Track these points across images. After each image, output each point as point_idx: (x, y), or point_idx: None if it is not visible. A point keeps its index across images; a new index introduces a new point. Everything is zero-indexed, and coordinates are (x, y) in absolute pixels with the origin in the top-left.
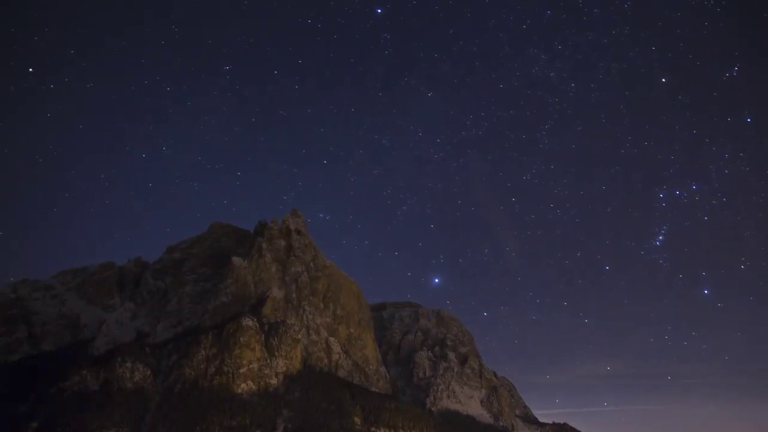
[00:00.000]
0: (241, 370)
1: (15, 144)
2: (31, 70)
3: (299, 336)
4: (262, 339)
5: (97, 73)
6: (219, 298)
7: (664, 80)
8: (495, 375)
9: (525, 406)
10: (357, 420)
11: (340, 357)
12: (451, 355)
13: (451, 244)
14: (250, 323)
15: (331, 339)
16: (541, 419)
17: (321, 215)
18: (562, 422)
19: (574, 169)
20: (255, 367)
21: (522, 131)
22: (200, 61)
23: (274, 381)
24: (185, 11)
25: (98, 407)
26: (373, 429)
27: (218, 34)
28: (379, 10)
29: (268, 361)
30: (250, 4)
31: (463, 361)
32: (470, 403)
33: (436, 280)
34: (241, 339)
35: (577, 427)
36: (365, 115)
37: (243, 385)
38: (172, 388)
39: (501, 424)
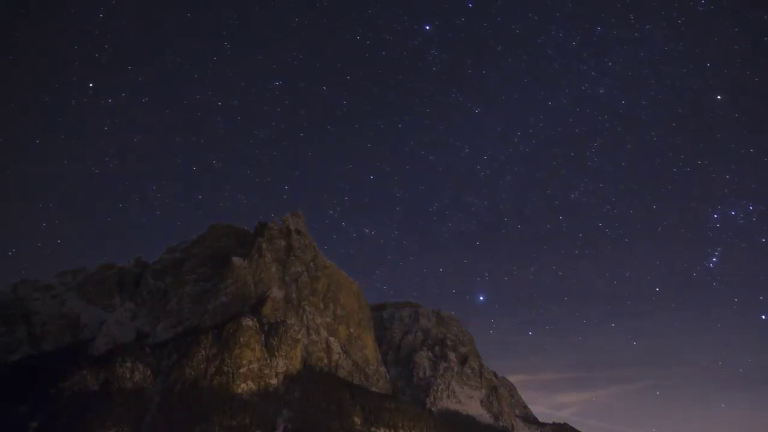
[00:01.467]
0: (241, 370)
1: (74, 155)
2: (91, 85)
3: (299, 336)
4: (262, 339)
5: (152, 89)
6: (219, 298)
7: (719, 97)
8: (495, 375)
9: (525, 406)
10: (357, 420)
11: (340, 357)
12: (451, 355)
13: (497, 262)
14: (250, 323)
15: (331, 339)
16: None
17: (366, 230)
18: (562, 422)
19: (624, 188)
20: (255, 367)
21: (570, 149)
22: (251, 76)
23: (274, 381)
24: (237, 28)
25: (98, 407)
26: (373, 429)
27: (268, 50)
28: (428, 27)
29: (268, 361)
30: (299, 22)
31: (463, 361)
32: (470, 403)
33: (481, 298)
34: (241, 339)
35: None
36: (412, 131)
37: (243, 385)
38: (172, 388)
39: (501, 424)
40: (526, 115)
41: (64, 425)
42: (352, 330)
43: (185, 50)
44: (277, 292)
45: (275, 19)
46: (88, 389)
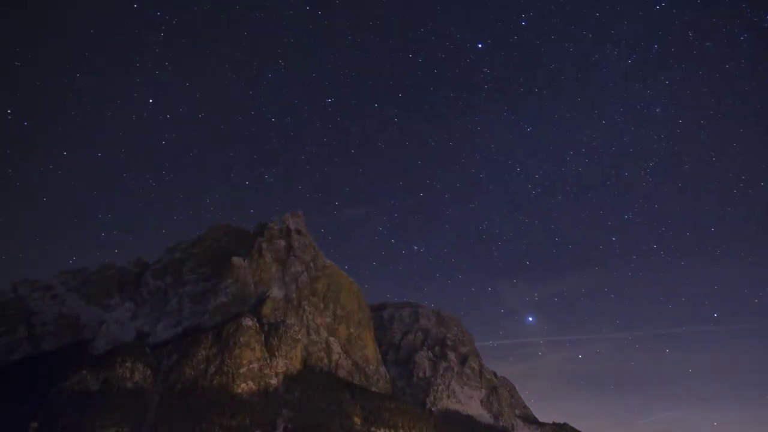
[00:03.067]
0: (241, 370)
1: (133, 168)
2: (151, 101)
3: (299, 336)
4: (262, 339)
5: (208, 104)
6: (219, 298)
7: None
8: (495, 375)
9: (525, 406)
10: (357, 420)
11: (340, 357)
12: (451, 355)
13: (548, 282)
14: (250, 323)
15: (331, 339)
16: None
17: (415, 247)
18: (562, 422)
19: (680, 210)
20: (255, 367)
21: (624, 169)
22: (304, 93)
23: (274, 381)
24: (291, 47)
25: (98, 407)
26: (373, 429)
27: (321, 68)
28: (480, 45)
29: (268, 361)
30: (353, 40)
31: (463, 361)
32: (470, 403)
33: (530, 319)
34: (241, 339)
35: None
36: (463, 149)
37: (243, 385)
38: (172, 388)
39: (501, 424)
40: (578, 134)
41: (64, 425)
42: (352, 330)
43: (241, 67)
44: (277, 292)
45: (329, 38)
46: (88, 389)
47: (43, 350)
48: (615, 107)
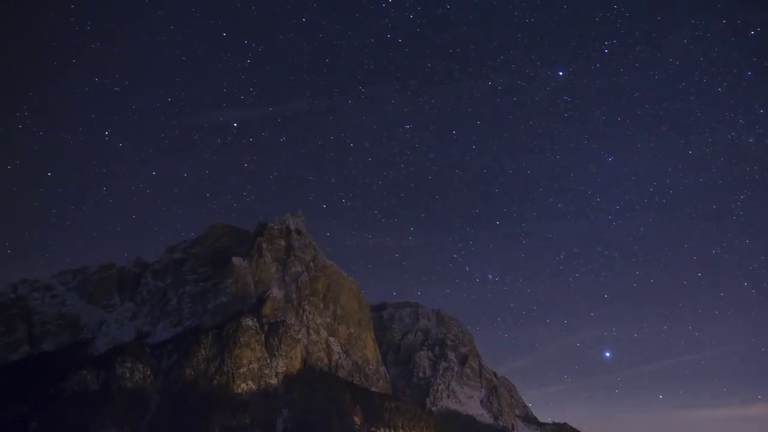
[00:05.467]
0: (241, 370)
1: (215, 193)
2: (235, 125)
3: (299, 336)
4: (262, 339)
5: (289, 129)
6: (219, 298)
7: None
8: (495, 375)
9: (525, 406)
10: (357, 420)
11: (340, 357)
12: (451, 355)
13: (627, 317)
14: (250, 323)
15: (331, 339)
16: None
17: (490, 276)
18: (562, 422)
19: None
20: (255, 367)
21: (712, 201)
22: (382, 120)
23: (274, 381)
24: (371, 74)
25: (98, 407)
26: (373, 429)
27: (401, 95)
28: (561, 73)
29: (268, 361)
30: (432, 67)
31: (463, 361)
32: (470, 403)
33: (608, 354)
34: (241, 339)
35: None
36: (542, 178)
37: (243, 385)
38: (172, 388)
39: (501, 424)
40: (663, 164)
41: (64, 425)
42: (352, 330)
43: (322, 93)
44: (277, 292)
45: (409, 65)
46: (88, 389)
47: (43, 350)
48: (703, 137)
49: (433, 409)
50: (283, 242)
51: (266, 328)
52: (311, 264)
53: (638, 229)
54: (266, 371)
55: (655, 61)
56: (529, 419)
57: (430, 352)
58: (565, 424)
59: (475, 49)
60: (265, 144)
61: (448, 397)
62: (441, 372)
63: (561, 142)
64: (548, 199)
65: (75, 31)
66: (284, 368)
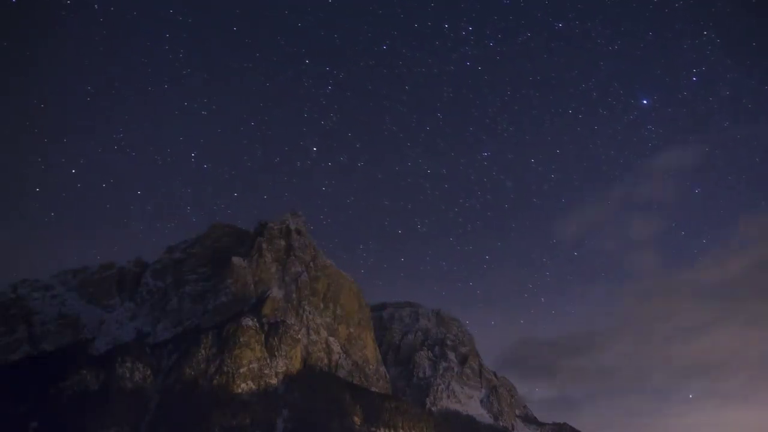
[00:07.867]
0: (241, 370)
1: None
2: (315, 149)
3: (299, 336)
4: (262, 339)
5: (367, 154)
6: (219, 298)
7: None
8: (495, 375)
9: (525, 406)
10: (357, 420)
11: (340, 357)
12: (451, 355)
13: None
14: (250, 323)
15: (331, 339)
16: None
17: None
18: (561, 422)
19: None
20: (255, 367)
21: None
22: (461, 146)
23: (274, 381)
24: (450, 102)
25: (98, 407)
26: (373, 429)
27: (479, 122)
28: (645, 102)
29: (268, 361)
30: (512, 94)
31: (463, 361)
32: (470, 403)
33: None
34: (241, 339)
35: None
36: (629, 207)
37: (243, 385)
38: (172, 388)
39: (501, 424)
40: (756, 197)
41: (64, 425)
42: (352, 330)
43: (401, 120)
44: (277, 292)
45: (488, 92)
46: (88, 389)
47: (43, 350)
48: None
49: (433, 409)
50: (283, 242)
51: (266, 328)
52: (311, 264)
53: (726, 266)
54: (266, 371)
55: (747, 88)
56: (529, 419)
57: (430, 352)
58: (564, 424)
59: (556, 76)
60: (344, 168)
61: (448, 397)
62: (441, 372)
63: (645, 172)
64: (628, 230)
65: (169, 59)
66: (284, 368)
